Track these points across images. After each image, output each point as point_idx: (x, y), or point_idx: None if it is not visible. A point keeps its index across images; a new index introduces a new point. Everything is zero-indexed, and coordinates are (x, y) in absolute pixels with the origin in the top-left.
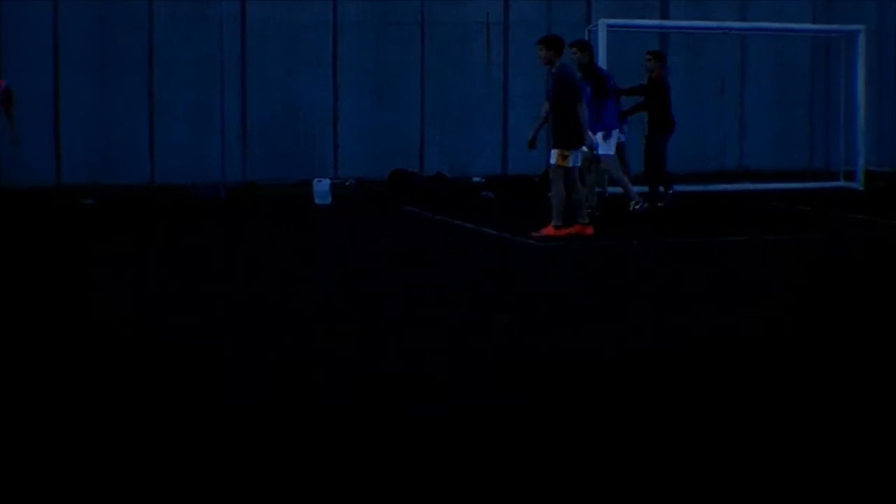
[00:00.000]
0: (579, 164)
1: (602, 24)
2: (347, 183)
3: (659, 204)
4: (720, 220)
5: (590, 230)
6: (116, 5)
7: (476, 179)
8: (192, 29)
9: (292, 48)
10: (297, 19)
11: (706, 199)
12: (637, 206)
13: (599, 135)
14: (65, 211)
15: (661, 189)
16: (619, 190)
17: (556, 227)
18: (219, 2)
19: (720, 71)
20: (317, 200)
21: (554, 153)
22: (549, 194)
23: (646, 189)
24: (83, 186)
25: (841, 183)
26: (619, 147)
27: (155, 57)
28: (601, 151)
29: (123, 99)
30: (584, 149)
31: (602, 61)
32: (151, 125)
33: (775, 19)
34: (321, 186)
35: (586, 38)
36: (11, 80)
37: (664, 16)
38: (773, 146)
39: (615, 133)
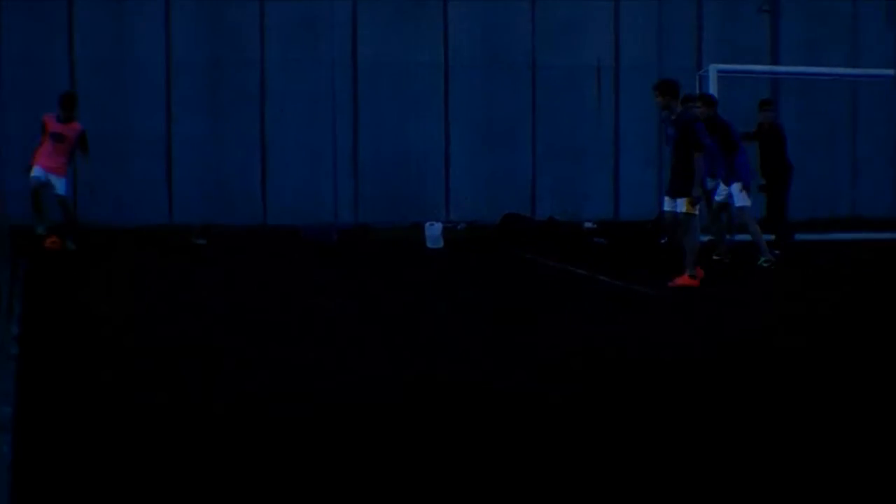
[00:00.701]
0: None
1: (713, 69)
2: (459, 227)
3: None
4: (836, 271)
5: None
6: (228, 46)
7: (588, 224)
8: (303, 69)
9: (404, 89)
10: (409, 61)
11: (819, 248)
12: (766, 263)
13: (735, 186)
14: (176, 250)
15: (778, 238)
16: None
17: (692, 277)
18: (331, 42)
19: (831, 117)
20: (429, 244)
21: (682, 201)
22: (683, 243)
23: (772, 238)
24: (195, 226)
25: None
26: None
27: (267, 97)
28: (738, 203)
29: (235, 139)
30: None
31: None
32: (264, 165)
33: (887, 65)
34: (433, 230)
35: (697, 83)
36: (125, 120)
37: (774, 61)
38: (889, 194)
39: (751, 184)
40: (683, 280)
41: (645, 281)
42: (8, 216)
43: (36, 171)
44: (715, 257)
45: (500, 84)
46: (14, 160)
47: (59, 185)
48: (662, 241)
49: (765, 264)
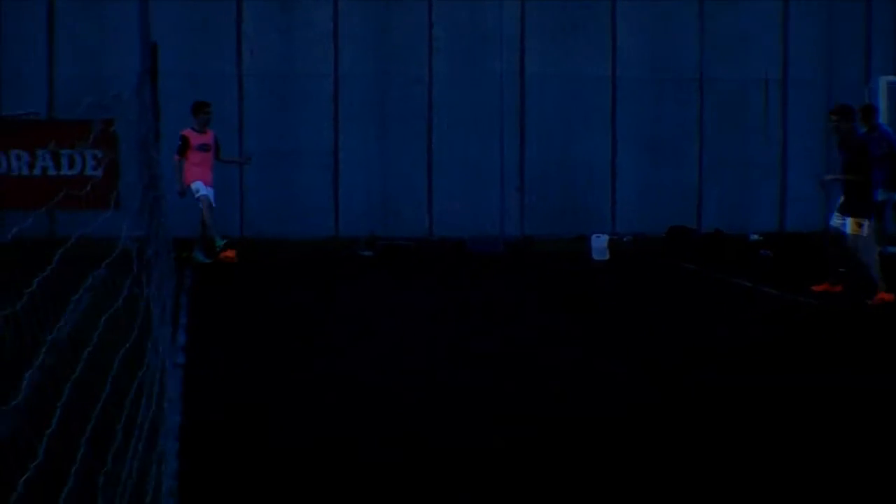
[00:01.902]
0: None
1: (883, 80)
2: (625, 239)
3: None
4: None
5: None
6: (396, 59)
7: (753, 237)
8: (470, 83)
9: (570, 102)
10: (576, 73)
11: None
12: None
13: None
14: (342, 262)
15: None
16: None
17: (886, 291)
18: (498, 56)
19: None
20: (594, 256)
21: (850, 222)
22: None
23: None
24: (361, 238)
25: None
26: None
27: (434, 110)
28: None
29: (402, 152)
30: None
31: (883, 118)
32: (430, 178)
33: None
34: (599, 242)
35: (865, 95)
36: (294, 133)
37: None
38: None
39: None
40: (881, 296)
41: (810, 293)
42: (169, 228)
43: (199, 186)
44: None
45: (667, 97)
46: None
47: (212, 194)
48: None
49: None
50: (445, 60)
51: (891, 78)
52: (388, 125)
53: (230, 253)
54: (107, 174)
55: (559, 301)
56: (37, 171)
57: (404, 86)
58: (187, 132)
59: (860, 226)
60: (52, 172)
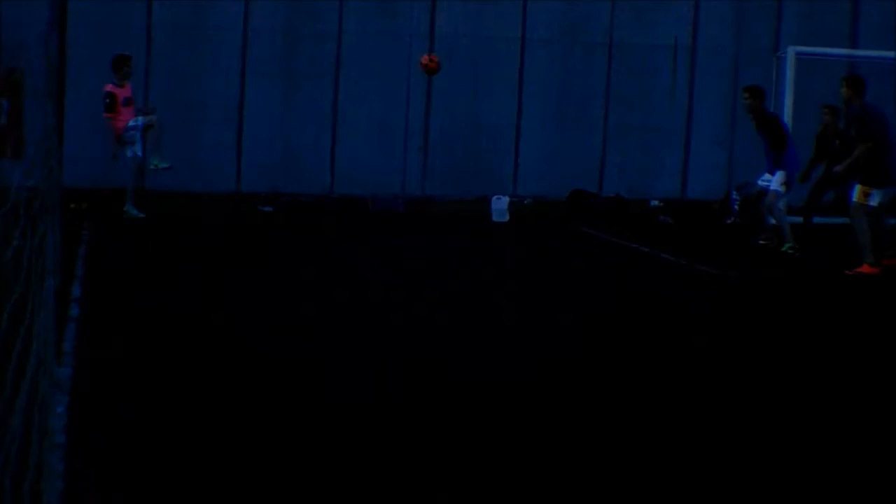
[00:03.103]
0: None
1: (791, 50)
2: (526, 201)
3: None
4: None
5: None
6: (306, 15)
7: (654, 203)
8: (380, 41)
9: (479, 64)
10: (486, 34)
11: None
12: (790, 250)
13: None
14: (242, 216)
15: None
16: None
17: (871, 265)
18: (409, 17)
19: None
20: (494, 218)
21: (857, 189)
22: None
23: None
24: (262, 194)
25: None
26: None
27: (342, 68)
28: (773, 187)
29: (308, 108)
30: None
31: (788, 90)
32: (334, 136)
33: None
34: (499, 204)
35: (774, 65)
36: (200, 86)
37: (852, 43)
38: None
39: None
40: (864, 269)
41: (709, 260)
42: (62, 181)
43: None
44: (762, 242)
45: (576, 60)
46: (82, 125)
47: (139, 148)
48: (728, 221)
49: (790, 251)
50: (355, 18)
51: (800, 48)
52: (295, 82)
53: None
54: (10, 123)
55: (450, 258)
56: None
57: (313, 43)
58: (111, 88)
59: (867, 195)
60: None
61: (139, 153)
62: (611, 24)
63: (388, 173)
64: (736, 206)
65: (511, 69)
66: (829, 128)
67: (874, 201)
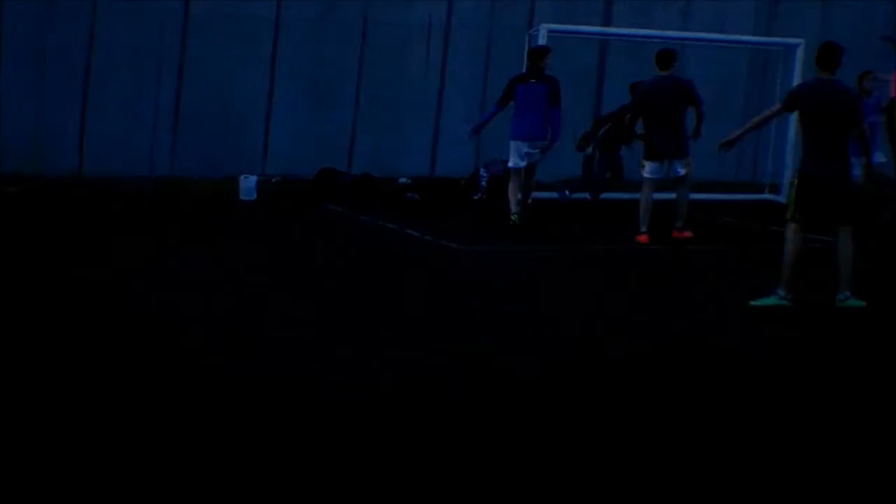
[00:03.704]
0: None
1: (543, 28)
2: (274, 180)
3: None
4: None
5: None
6: None
7: (402, 180)
8: (133, 20)
9: (233, 42)
10: (239, 13)
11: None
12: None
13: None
14: None
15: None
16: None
17: (641, 234)
18: None
19: None
20: (242, 196)
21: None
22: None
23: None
24: (9, 175)
25: (766, 195)
26: None
27: (94, 48)
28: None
29: (58, 88)
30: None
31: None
32: (83, 115)
33: (717, 29)
34: (247, 182)
35: (526, 43)
36: None
37: (607, 22)
38: (703, 156)
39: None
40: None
41: (454, 237)
42: None
43: None
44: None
45: (330, 38)
46: None
47: None
48: (475, 197)
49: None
50: None
51: (553, 25)
52: (47, 62)
53: None
54: None
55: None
56: None
57: (66, 22)
58: None
59: (642, 167)
60: None
61: None
62: (365, 2)
63: (137, 153)
64: (483, 183)
65: (265, 48)
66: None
67: (648, 173)
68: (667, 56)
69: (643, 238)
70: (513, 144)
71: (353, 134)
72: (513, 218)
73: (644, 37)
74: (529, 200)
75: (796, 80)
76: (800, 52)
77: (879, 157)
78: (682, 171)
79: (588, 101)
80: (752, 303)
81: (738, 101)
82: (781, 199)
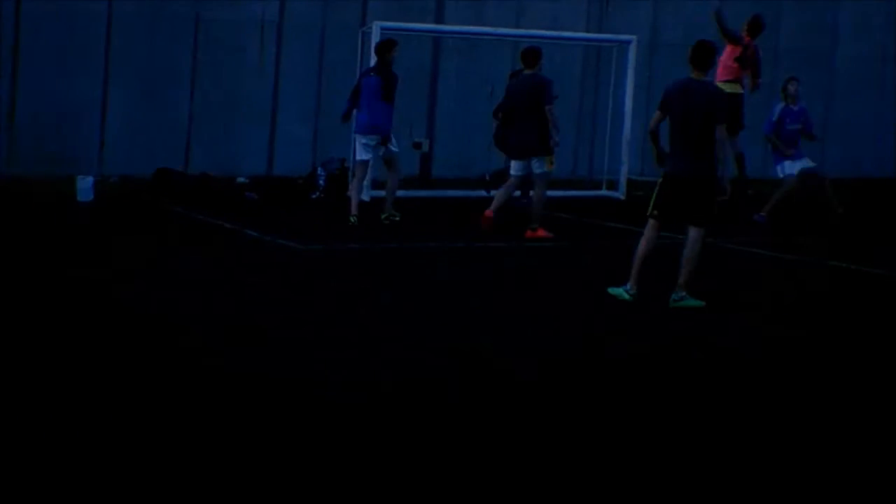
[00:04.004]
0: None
1: (376, 26)
2: (112, 180)
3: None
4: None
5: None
6: None
7: (241, 180)
8: None
9: (66, 40)
10: (71, 9)
11: (469, 204)
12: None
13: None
14: None
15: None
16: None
17: (532, 230)
18: None
19: (491, 76)
20: (79, 198)
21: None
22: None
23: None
24: None
25: (604, 192)
26: None
27: None
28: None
29: None
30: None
31: (371, 63)
32: None
33: (550, 26)
34: (84, 183)
35: (360, 40)
36: None
37: (439, 20)
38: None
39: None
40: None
41: (293, 236)
42: None
43: None
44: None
45: (162, 35)
46: None
47: None
48: (313, 196)
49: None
50: None
51: (386, 23)
52: None
53: None
54: None
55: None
56: None
57: None
58: None
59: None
60: None
61: None
62: None
63: None
64: (321, 182)
65: (98, 45)
66: None
67: (513, 170)
68: (531, 54)
69: (534, 233)
70: (355, 137)
71: (189, 133)
72: (351, 220)
73: (477, 34)
74: (394, 196)
75: (629, 77)
76: (632, 49)
77: (808, 163)
78: (539, 170)
79: (422, 99)
80: (609, 290)
81: (573, 97)
82: (619, 195)
